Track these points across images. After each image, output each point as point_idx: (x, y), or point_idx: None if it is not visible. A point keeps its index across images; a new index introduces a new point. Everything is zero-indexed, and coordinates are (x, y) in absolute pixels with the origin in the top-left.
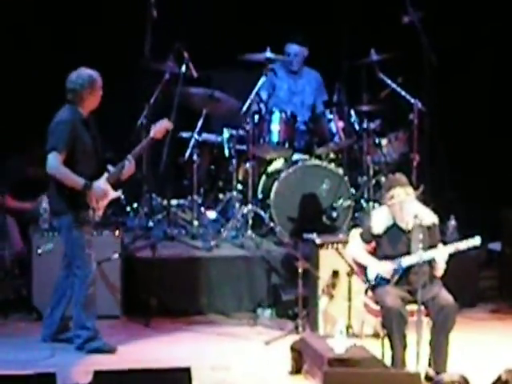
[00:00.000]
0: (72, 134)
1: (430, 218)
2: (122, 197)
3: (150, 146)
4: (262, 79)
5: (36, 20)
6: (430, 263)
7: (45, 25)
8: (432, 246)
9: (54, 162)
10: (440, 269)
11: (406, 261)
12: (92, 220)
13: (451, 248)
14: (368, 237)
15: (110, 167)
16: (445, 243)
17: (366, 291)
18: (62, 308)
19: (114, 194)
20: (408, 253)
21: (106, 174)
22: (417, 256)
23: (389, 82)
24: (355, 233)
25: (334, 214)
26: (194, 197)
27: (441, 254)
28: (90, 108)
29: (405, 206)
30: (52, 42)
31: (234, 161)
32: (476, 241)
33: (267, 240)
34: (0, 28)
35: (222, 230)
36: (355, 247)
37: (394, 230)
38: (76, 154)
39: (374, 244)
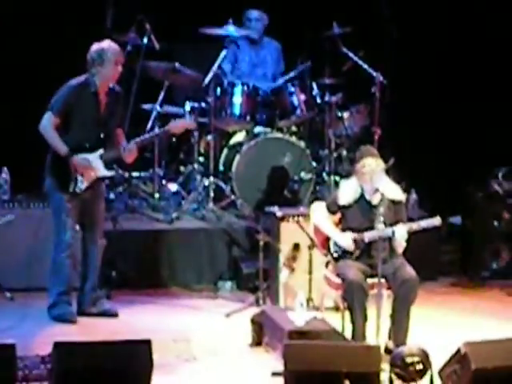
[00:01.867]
0: (70, 100)
1: (397, 193)
2: (109, 173)
3: (165, 138)
4: (224, 52)
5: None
6: (391, 239)
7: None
8: (396, 223)
9: (45, 122)
10: (400, 246)
11: (367, 235)
12: (74, 189)
13: (411, 225)
14: (334, 207)
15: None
16: (408, 220)
17: (327, 264)
18: (89, 279)
19: (103, 172)
20: (372, 227)
21: (100, 151)
22: (378, 231)
23: (351, 55)
24: (317, 205)
25: (296, 187)
26: (155, 169)
27: (400, 231)
28: (105, 80)
29: (375, 177)
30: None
31: (195, 133)
32: (436, 221)
33: (228, 213)
34: None
35: (183, 202)
36: (320, 216)
37: (361, 202)
38: (72, 120)
39: (338, 216)
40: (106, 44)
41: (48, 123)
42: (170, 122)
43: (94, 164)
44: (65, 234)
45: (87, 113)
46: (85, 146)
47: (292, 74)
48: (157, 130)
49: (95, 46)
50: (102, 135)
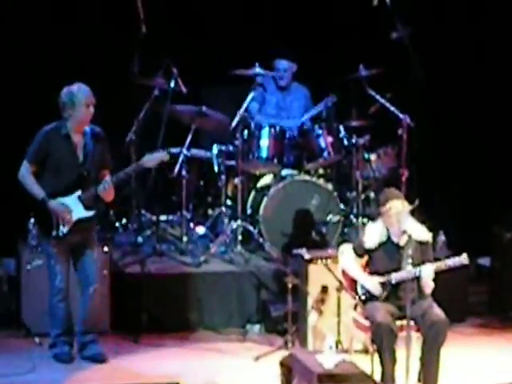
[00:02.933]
0: (42, 147)
1: (423, 234)
2: (88, 214)
3: (138, 172)
4: (251, 94)
5: (27, 39)
6: (419, 280)
7: (35, 43)
8: (423, 263)
9: (22, 170)
10: (427, 286)
11: (395, 276)
12: (57, 233)
13: (438, 265)
14: (360, 251)
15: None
16: (436, 260)
17: (356, 307)
18: (78, 323)
19: (82, 214)
20: (399, 269)
21: (78, 192)
22: (405, 272)
23: (377, 97)
24: (344, 248)
25: (324, 230)
26: (183, 212)
27: (427, 270)
28: (78, 123)
29: (401, 219)
30: (42, 58)
31: (223, 176)
32: (464, 259)
33: (256, 255)
34: None
35: (211, 245)
36: (348, 259)
37: (388, 245)
38: (47, 165)
39: (366, 258)
40: (76, 87)
41: (25, 172)
42: (144, 156)
43: (72, 206)
44: (55, 279)
45: (61, 156)
46: (61, 190)
47: (318, 108)
48: (129, 168)
49: (65, 90)
50: (79, 177)
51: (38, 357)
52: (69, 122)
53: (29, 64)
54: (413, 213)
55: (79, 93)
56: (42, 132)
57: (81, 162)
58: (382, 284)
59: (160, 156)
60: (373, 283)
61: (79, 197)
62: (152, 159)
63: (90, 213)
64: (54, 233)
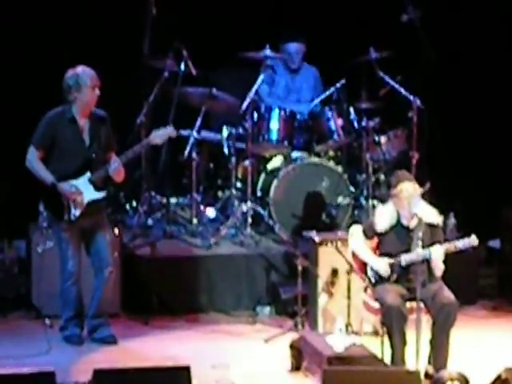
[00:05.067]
0: (49, 131)
1: (434, 217)
2: (99, 195)
3: (147, 149)
4: (261, 77)
5: (34, 18)
6: (429, 262)
7: (43, 23)
8: (433, 246)
9: (29, 156)
10: (437, 268)
11: (404, 258)
12: (69, 217)
13: (448, 246)
14: (370, 233)
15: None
16: (445, 242)
17: (366, 289)
18: (91, 308)
19: (93, 195)
20: (409, 251)
21: (88, 174)
22: (415, 253)
23: (388, 79)
24: (354, 230)
25: (334, 212)
26: (193, 195)
27: (437, 252)
28: (83, 107)
29: (413, 201)
30: (51, 40)
31: (233, 159)
32: (473, 241)
33: (266, 238)
34: None
35: (221, 227)
36: (357, 242)
37: (398, 227)
38: (54, 150)
39: (376, 240)
40: (81, 69)
41: (32, 157)
42: (152, 132)
43: (82, 188)
44: (67, 264)
45: (68, 140)
46: (70, 173)
47: (327, 93)
48: (137, 146)
49: (70, 73)
50: (87, 160)
51: (48, 339)
52: (74, 106)
53: (36, 47)
54: (423, 195)
55: (84, 75)
56: (47, 117)
57: (88, 145)
58: (392, 266)
59: (168, 132)
60: (382, 265)
61: (89, 179)
62: (160, 135)
63: (101, 194)
64: (66, 216)
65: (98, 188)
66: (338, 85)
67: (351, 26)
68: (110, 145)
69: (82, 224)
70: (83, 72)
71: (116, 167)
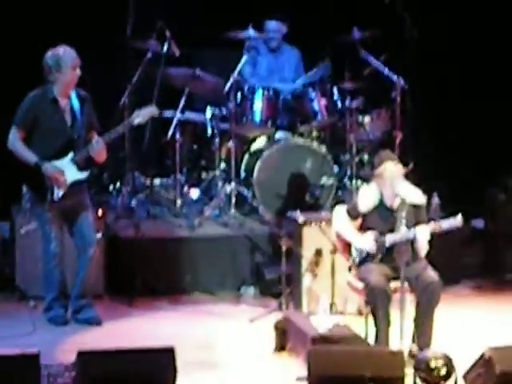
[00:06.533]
0: (30, 111)
1: (417, 197)
2: (82, 175)
3: (130, 130)
4: (244, 57)
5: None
6: (413, 242)
7: (24, 4)
8: (417, 226)
9: (11, 137)
10: (422, 248)
11: (388, 238)
12: (52, 197)
13: (432, 226)
14: (354, 213)
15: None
16: (430, 222)
17: (350, 269)
18: (75, 288)
19: (76, 175)
20: (393, 231)
21: (70, 155)
22: (399, 233)
23: (371, 59)
24: (338, 210)
25: (317, 192)
26: (176, 176)
27: (422, 232)
28: (64, 87)
29: (395, 182)
30: (32, 19)
31: (216, 139)
32: (458, 221)
33: (250, 218)
34: None
35: (205, 208)
36: (341, 222)
37: (381, 208)
38: (37, 130)
39: (360, 221)
40: (62, 49)
41: (14, 138)
42: (134, 112)
43: (65, 169)
44: (50, 244)
45: (50, 120)
46: (53, 154)
47: (311, 73)
48: (120, 126)
49: (50, 53)
50: (69, 140)
51: (33, 320)
52: (55, 86)
53: (17, 28)
54: (407, 175)
55: (65, 55)
56: (28, 97)
57: (70, 125)
58: (376, 241)
59: (150, 111)
60: (367, 241)
61: (72, 159)
62: (142, 114)
63: (84, 174)
64: (49, 197)
65: (80, 168)
66: (322, 67)
67: (335, 5)
68: (92, 125)
69: (64, 204)
70: (64, 52)
71: (98, 147)
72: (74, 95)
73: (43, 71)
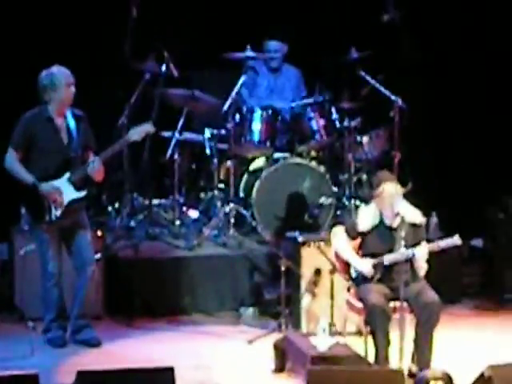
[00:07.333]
0: (26, 132)
1: (416, 217)
2: (80, 195)
3: (127, 147)
4: (243, 78)
5: (14, 18)
6: (412, 262)
7: (23, 24)
8: (417, 245)
9: (8, 158)
10: (421, 268)
11: (387, 258)
12: (50, 218)
13: (431, 246)
14: (353, 233)
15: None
16: (428, 241)
17: (349, 289)
18: (74, 308)
19: (74, 195)
20: (392, 251)
21: (67, 174)
22: (398, 253)
23: (369, 79)
24: (337, 230)
25: (316, 212)
26: (175, 196)
27: (420, 252)
28: (60, 105)
29: (395, 202)
30: (30, 40)
31: (215, 160)
32: (456, 240)
33: (249, 239)
34: None
35: (204, 229)
36: (340, 242)
37: (380, 228)
38: (33, 150)
39: (359, 240)
40: (55, 68)
41: (11, 159)
42: (130, 129)
43: (63, 188)
44: (47, 265)
45: (46, 140)
46: (50, 173)
47: (310, 101)
48: (116, 144)
49: (44, 73)
50: (66, 159)
51: (32, 341)
52: (51, 105)
53: (13, 49)
54: (405, 195)
55: (59, 73)
56: (24, 118)
57: (66, 144)
58: (375, 266)
59: (145, 128)
60: (365, 265)
61: (69, 178)
62: (138, 132)
63: (82, 193)
64: (47, 217)
65: (78, 188)
66: (321, 96)
67: (333, 26)
68: (88, 144)
69: (62, 224)
70: (58, 70)
71: (95, 166)
72: (69, 114)
73: (38, 91)
